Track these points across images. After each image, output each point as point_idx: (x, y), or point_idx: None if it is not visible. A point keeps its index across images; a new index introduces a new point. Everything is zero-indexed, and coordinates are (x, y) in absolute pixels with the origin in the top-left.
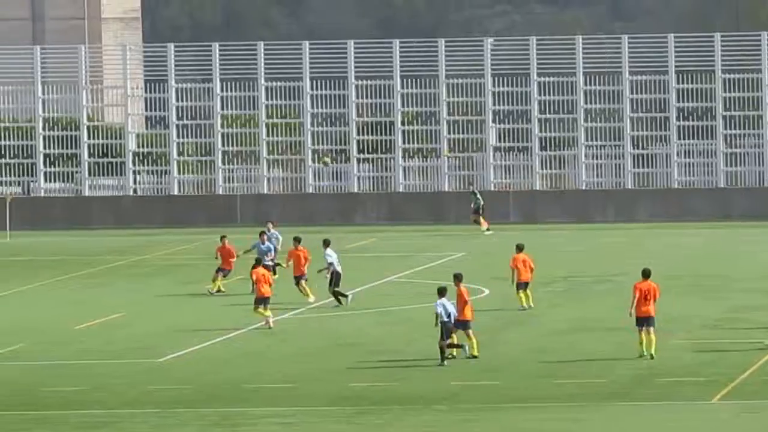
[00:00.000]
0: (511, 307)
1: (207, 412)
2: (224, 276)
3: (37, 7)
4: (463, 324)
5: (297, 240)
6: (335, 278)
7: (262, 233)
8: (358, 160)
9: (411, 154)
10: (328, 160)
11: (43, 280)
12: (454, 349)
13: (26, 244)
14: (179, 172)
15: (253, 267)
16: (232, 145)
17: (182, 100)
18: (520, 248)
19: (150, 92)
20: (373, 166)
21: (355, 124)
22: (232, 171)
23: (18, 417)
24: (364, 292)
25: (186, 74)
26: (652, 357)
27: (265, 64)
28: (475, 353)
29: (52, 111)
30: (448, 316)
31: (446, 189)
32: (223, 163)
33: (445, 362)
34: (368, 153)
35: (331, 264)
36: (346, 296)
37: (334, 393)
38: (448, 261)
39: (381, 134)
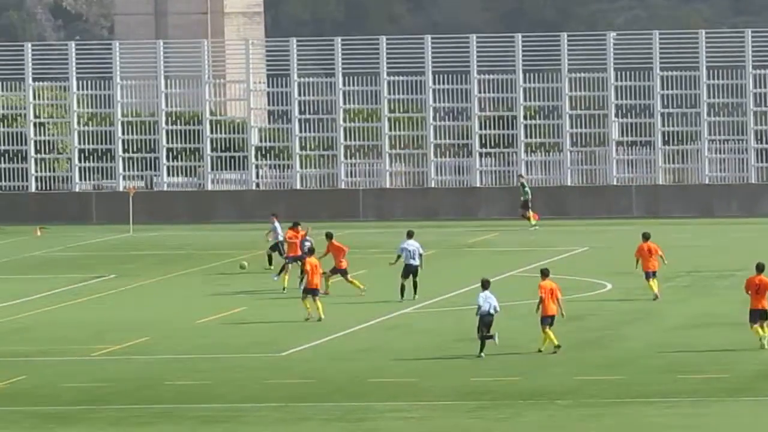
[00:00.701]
0: (634, 301)
1: (329, 406)
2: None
3: (160, 2)
4: (549, 319)
5: (329, 236)
6: (408, 270)
7: (272, 215)
8: (480, 155)
9: (533, 149)
10: (245, 264)
11: (166, 274)
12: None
13: (149, 238)
14: (301, 167)
15: (307, 257)
16: (355, 140)
17: (304, 95)
18: (646, 237)
19: (272, 87)
20: (495, 160)
21: (477, 118)
22: (355, 165)
23: (142, 411)
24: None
25: (308, 69)
26: (763, 347)
27: (388, 58)
28: (541, 348)
29: (175, 105)
30: (495, 309)
31: (569, 183)
32: (346, 158)
33: (483, 354)
34: (490, 147)
35: (398, 256)
36: (415, 293)
37: (456, 387)
38: (570, 256)
39: (503, 129)
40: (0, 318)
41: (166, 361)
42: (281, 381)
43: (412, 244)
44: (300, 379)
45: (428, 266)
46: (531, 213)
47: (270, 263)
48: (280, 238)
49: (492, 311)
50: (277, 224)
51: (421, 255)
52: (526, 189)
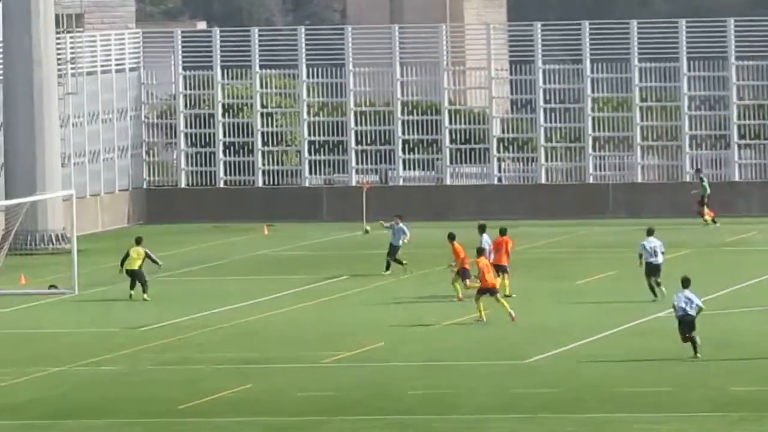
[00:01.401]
0: None
1: (576, 418)
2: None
3: None
4: None
5: (451, 236)
6: (650, 268)
7: (397, 216)
8: (739, 147)
9: None
10: (368, 228)
11: (402, 275)
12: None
13: (384, 236)
14: (546, 160)
15: (477, 257)
16: (604, 131)
17: (550, 83)
18: None
19: (515, 74)
20: (755, 152)
21: (735, 107)
22: (603, 158)
23: (379, 421)
24: (746, 288)
25: (554, 55)
26: None
27: (639, 43)
28: None
29: (411, 94)
30: (686, 309)
31: None
32: (594, 150)
33: (699, 354)
34: (750, 139)
35: (640, 256)
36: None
37: (713, 398)
38: None
39: (763, 119)
40: (227, 322)
41: (401, 367)
42: (525, 390)
43: (653, 242)
44: (544, 387)
45: (681, 266)
46: (706, 209)
47: (388, 268)
48: (400, 243)
49: (690, 310)
50: (402, 226)
51: (662, 253)
52: (705, 184)
